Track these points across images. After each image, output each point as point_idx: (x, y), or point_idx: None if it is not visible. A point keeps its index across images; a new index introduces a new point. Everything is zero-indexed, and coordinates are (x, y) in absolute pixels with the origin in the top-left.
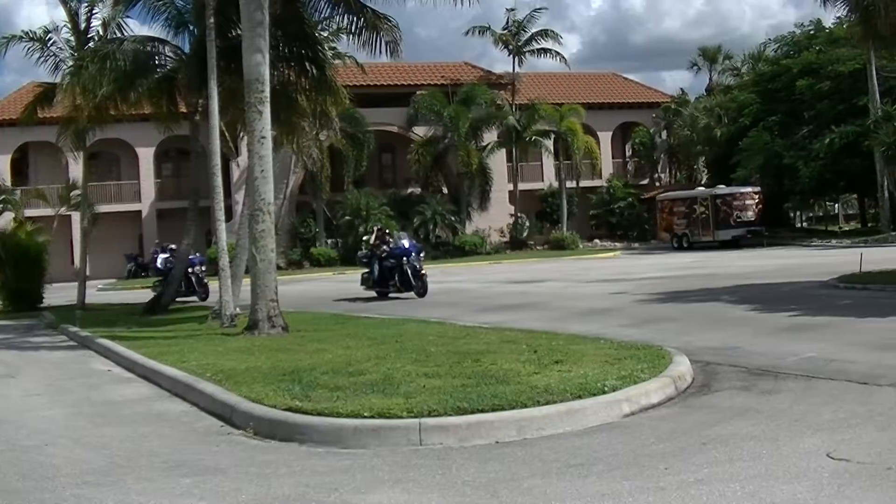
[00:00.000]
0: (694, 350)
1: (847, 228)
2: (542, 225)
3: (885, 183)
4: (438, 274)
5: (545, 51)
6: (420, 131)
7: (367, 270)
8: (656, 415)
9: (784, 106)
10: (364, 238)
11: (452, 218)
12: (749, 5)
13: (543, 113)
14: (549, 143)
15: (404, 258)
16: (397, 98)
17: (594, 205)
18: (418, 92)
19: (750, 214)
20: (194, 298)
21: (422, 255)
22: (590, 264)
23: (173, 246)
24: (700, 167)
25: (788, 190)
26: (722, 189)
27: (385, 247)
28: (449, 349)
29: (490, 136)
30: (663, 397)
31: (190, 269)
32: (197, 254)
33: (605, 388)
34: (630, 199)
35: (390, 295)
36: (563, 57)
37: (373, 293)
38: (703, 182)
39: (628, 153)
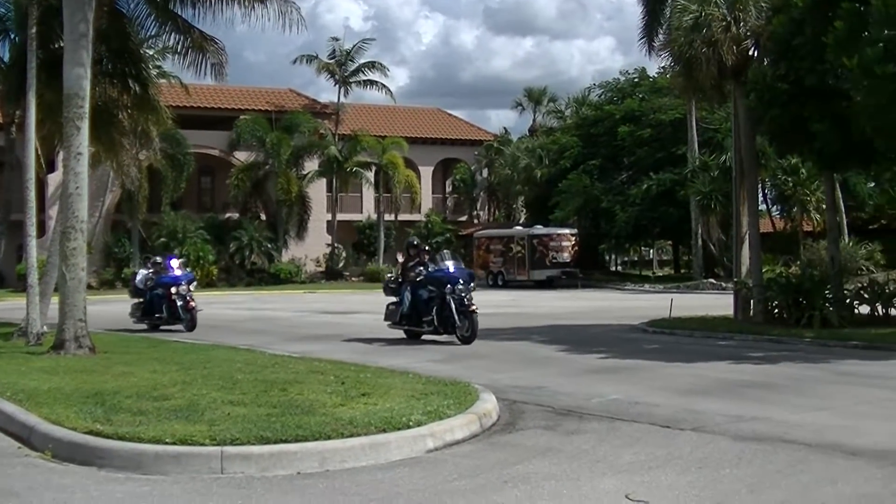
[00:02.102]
0: (501, 388)
1: (660, 274)
2: (359, 256)
3: (699, 231)
4: (252, 301)
5: (372, 82)
6: (241, 156)
7: (393, 300)
8: (460, 451)
9: (605, 150)
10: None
11: (269, 245)
12: (578, 50)
13: (366, 144)
14: (370, 174)
15: (448, 286)
16: (220, 121)
17: None
18: (241, 116)
19: (566, 255)
20: (180, 327)
21: (472, 284)
22: None
23: (159, 259)
24: (519, 206)
25: (605, 233)
26: (539, 229)
27: (422, 268)
28: (256, 377)
29: (311, 165)
30: (468, 434)
31: (174, 290)
32: (186, 269)
33: (410, 423)
34: (448, 235)
35: (424, 337)
36: (389, 90)
37: (399, 332)
38: (521, 221)
39: (448, 189)
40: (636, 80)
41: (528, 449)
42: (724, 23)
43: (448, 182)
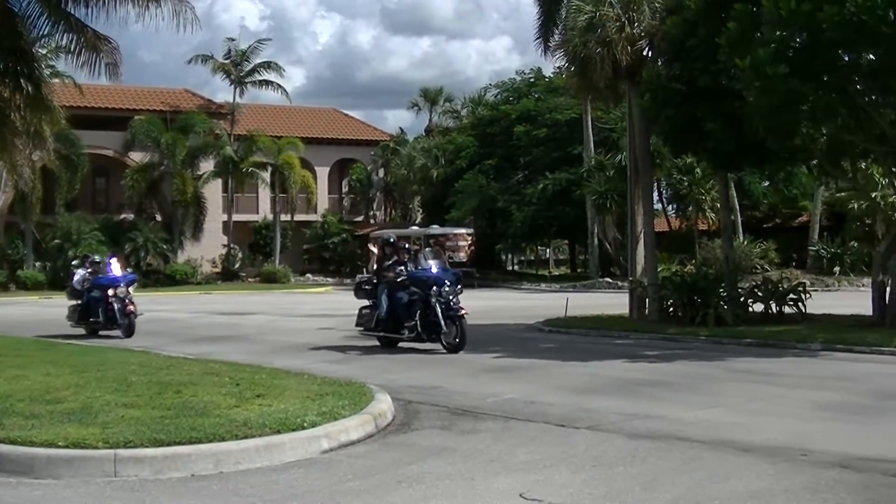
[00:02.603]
0: (397, 388)
1: (557, 273)
2: (255, 257)
3: (595, 230)
4: (147, 302)
5: (267, 82)
6: (136, 157)
7: (366, 304)
8: (355, 452)
9: (501, 150)
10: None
11: (165, 246)
12: (475, 49)
13: (262, 145)
14: (266, 175)
15: (434, 287)
16: (115, 121)
17: (308, 239)
18: (136, 116)
19: (462, 255)
20: (117, 332)
21: (460, 286)
22: (301, 298)
23: (98, 258)
24: (415, 206)
25: (501, 233)
26: (435, 229)
27: (401, 268)
28: (151, 379)
29: (207, 166)
30: (363, 434)
31: (111, 292)
32: (126, 270)
33: (305, 424)
34: (344, 235)
35: (400, 345)
36: (285, 90)
37: (371, 340)
38: (417, 221)
39: (345, 189)
40: (532, 80)
41: (423, 449)
42: (618, 23)
43: (344, 182)
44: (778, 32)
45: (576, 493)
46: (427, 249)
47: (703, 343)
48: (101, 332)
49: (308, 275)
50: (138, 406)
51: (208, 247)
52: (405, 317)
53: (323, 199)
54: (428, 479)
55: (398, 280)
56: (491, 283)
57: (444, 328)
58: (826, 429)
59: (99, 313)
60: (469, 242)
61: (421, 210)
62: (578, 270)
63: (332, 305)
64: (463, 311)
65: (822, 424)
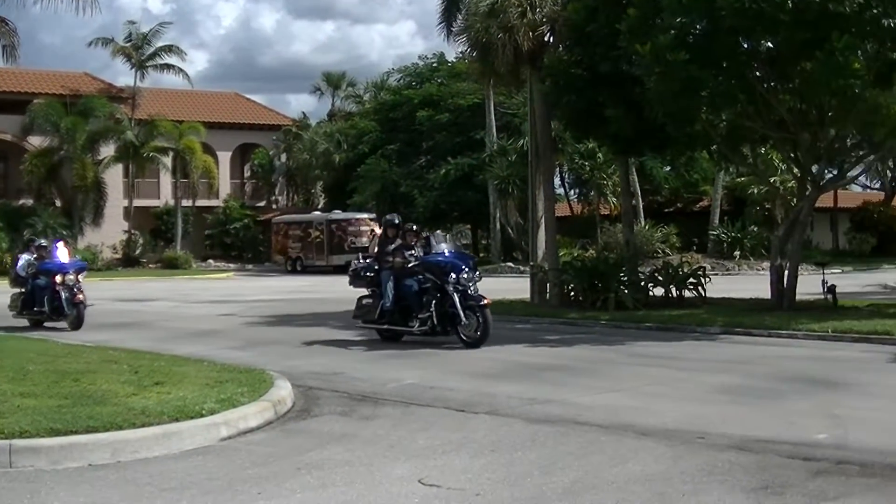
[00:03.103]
0: (298, 375)
1: None
2: (157, 243)
3: (498, 215)
4: None
5: (169, 66)
6: (36, 141)
7: (366, 293)
8: (254, 439)
9: (403, 135)
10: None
11: (65, 232)
12: (379, 34)
13: (163, 129)
14: (168, 160)
15: (452, 274)
16: (13, 105)
17: (210, 225)
18: (35, 100)
19: (364, 240)
20: (63, 324)
21: (478, 272)
22: (203, 284)
23: (44, 242)
24: (318, 191)
25: (404, 217)
26: (338, 214)
27: (411, 252)
28: (49, 368)
29: (108, 150)
30: (262, 421)
31: (58, 279)
32: (75, 256)
33: (204, 412)
34: (246, 221)
35: (407, 339)
36: (187, 74)
37: (371, 333)
38: (320, 206)
39: (247, 174)
40: (435, 65)
41: (322, 435)
42: (520, 9)
43: (246, 167)
44: (678, 19)
45: (474, 478)
46: (438, 232)
47: (603, 327)
48: (46, 324)
49: (210, 260)
50: (35, 395)
51: (109, 232)
52: (416, 307)
53: (225, 185)
54: (327, 465)
55: (407, 266)
56: None
57: (465, 319)
58: (724, 411)
59: (44, 302)
60: (372, 228)
61: (323, 195)
62: (481, 255)
63: (234, 291)
64: (486, 301)
65: (720, 407)
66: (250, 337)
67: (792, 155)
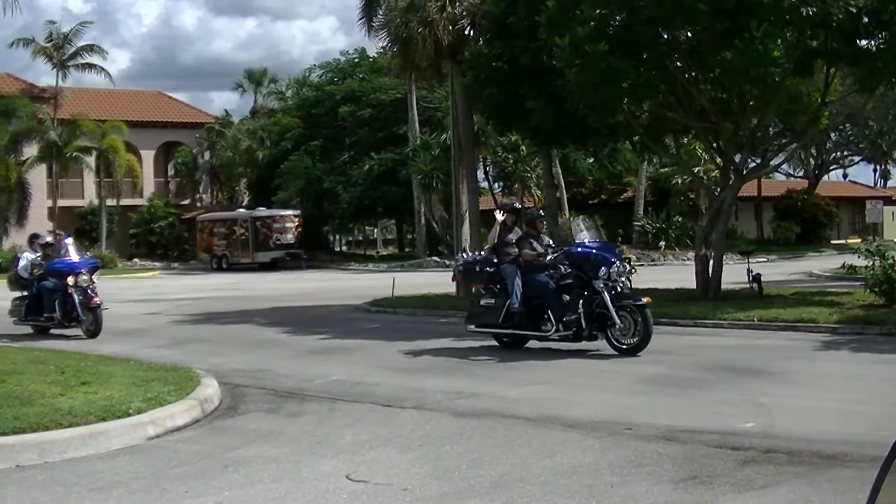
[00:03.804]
0: (224, 372)
1: (385, 253)
2: (82, 242)
3: (422, 209)
4: None
5: (91, 66)
6: None
7: (487, 297)
8: (181, 437)
9: (326, 131)
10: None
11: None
12: (300, 30)
13: (86, 129)
14: (91, 159)
15: (602, 269)
16: None
17: (135, 223)
18: None
19: (289, 237)
20: (75, 331)
21: (628, 266)
22: (128, 284)
23: (50, 239)
24: (242, 189)
25: (328, 214)
26: (262, 211)
27: (534, 243)
28: None
29: (30, 151)
30: (189, 420)
31: (71, 280)
32: (86, 254)
33: (130, 411)
34: (171, 219)
35: (535, 344)
36: (109, 73)
37: (471, 339)
38: (244, 204)
39: (171, 172)
40: (356, 60)
41: (249, 433)
42: (439, 3)
43: (170, 166)
44: (597, 10)
45: (402, 473)
46: (580, 217)
47: None
48: (53, 331)
49: (135, 259)
50: None
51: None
52: (555, 308)
53: (149, 183)
54: (254, 463)
55: (540, 259)
56: (319, 265)
57: (618, 322)
58: (651, 402)
59: (54, 307)
60: (296, 224)
61: (248, 192)
62: (406, 250)
63: (160, 290)
64: (644, 300)
65: (647, 398)
66: (176, 335)
67: (714, 144)
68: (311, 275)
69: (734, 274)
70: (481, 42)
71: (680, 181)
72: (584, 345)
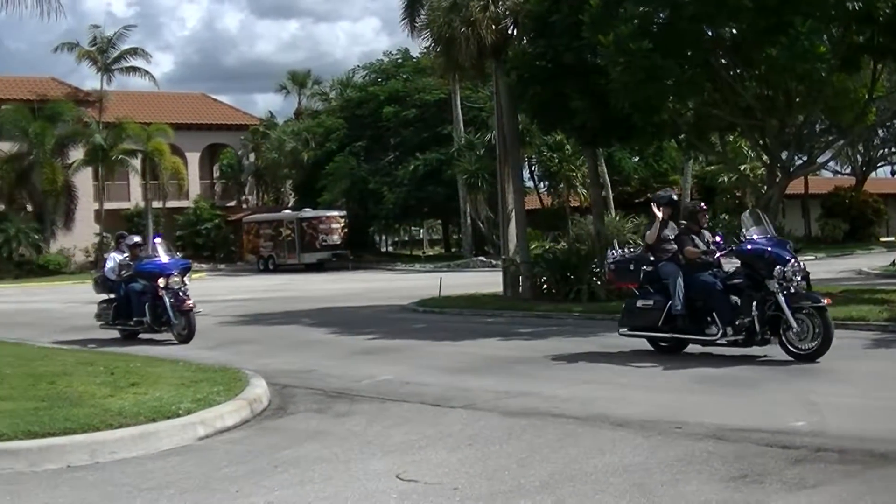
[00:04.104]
0: (272, 373)
1: (431, 253)
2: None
3: (467, 209)
4: (21, 294)
5: (135, 69)
6: (4, 147)
7: (644, 298)
8: (231, 438)
9: (370, 132)
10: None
11: (36, 236)
12: (343, 31)
13: (131, 132)
14: (137, 162)
15: (777, 268)
16: None
17: (181, 226)
18: (3, 106)
19: (335, 238)
20: (167, 335)
21: (803, 264)
22: None
23: (138, 238)
24: (287, 190)
25: (374, 214)
26: (308, 212)
27: (696, 239)
28: (24, 371)
29: (77, 154)
30: (238, 420)
31: (162, 282)
32: (176, 253)
33: (180, 411)
34: (217, 221)
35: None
36: (153, 76)
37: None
38: (289, 205)
39: (216, 174)
40: (400, 60)
41: (298, 433)
42: (482, 2)
43: (215, 167)
44: (640, 8)
45: (452, 473)
46: (747, 212)
47: (576, 319)
48: (142, 336)
49: None
50: (12, 398)
51: (81, 236)
52: (723, 311)
53: (194, 185)
54: (304, 462)
55: (704, 256)
56: (365, 265)
57: (795, 325)
58: (700, 401)
59: (144, 310)
60: (342, 225)
61: (293, 193)
62: (452, 250)
63: (207, 291)
64: (825, 301)
65: (696, 397)
66: (224, 336)
67: (760, 142)
68: (358, 275)
69: None
70: (524, 41)
71: (726, 179)
72: (752, 350)
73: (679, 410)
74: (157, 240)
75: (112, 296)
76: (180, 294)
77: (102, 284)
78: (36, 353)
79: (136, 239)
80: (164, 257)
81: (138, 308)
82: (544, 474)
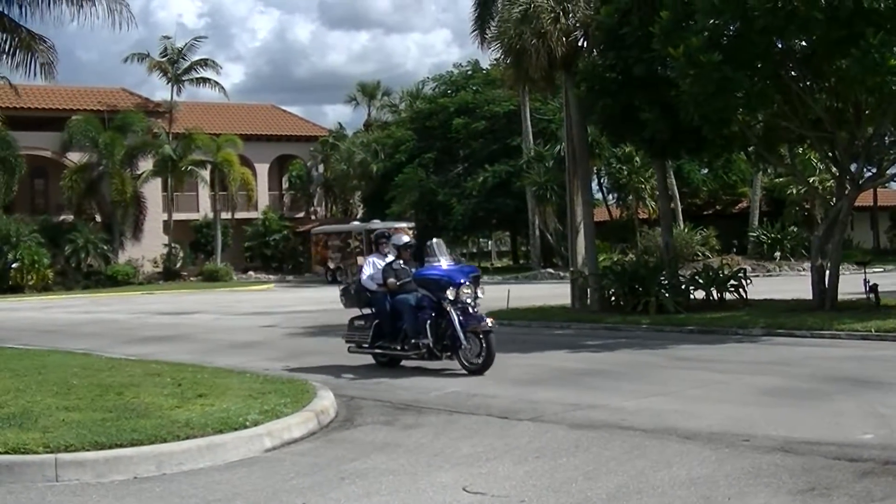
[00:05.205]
0: (339, 384)
1: (499, 265)
2: (197, 256)
3: (536, 221)
4: (88, 304)
5: (205, 80)
6: (74, 157)
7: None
8: (298, 449)
9: (440, 143)
10: None
11: (105, 247)
12: (414, 43)
13: (200, 143)
14: (206, 173)
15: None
16: (52, 122)
17: (249, 237)
18: (74, 117)
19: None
20: (448, 363)
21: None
22: (243, 296)
23: (407, 238)
24: (356, 201)
25: (442, 226)
26: (376, 223)
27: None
28: (92, 382)
29: (146, 165)
30: (305, 432)
31: (451, 295)
32: (459, 259)
33: (247, 423)
34: (285, 232)
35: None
36: (223, 87)
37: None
38: (358, 216)
39: (285, 186)
40: (470, 72)
41: (365, 445)
42: (552, 14)
43: (284, 179)
44: (711, 20)
45: (519, 485)
46: (434, 240)
47: (644, 331)
48: (407, 363)
49: (250, 272)
50: (79, 409)
51: (149, 246)
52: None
53: (263, 196)
54: (371, 474)
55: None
56: None
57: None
58: (767, 413)
59: (426, 330)
60: (411, 236)
61: (361, 205)
62: (521, 261)
63: (275, 302)
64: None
65: (764, 409)
66: (291, 348)
67: (830, 154)
68: None
69: (850, 284)
70: (594, 53)
71: (795, 191)
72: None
73: (747, 423)
74: (435, 241)
75: (370, 310)
76: (471, 310)
77: (357, 296)
78: (103, 364)
79: (406, 239)
80: (443, 262)
81: (413, 327)
82: (611, 487)
